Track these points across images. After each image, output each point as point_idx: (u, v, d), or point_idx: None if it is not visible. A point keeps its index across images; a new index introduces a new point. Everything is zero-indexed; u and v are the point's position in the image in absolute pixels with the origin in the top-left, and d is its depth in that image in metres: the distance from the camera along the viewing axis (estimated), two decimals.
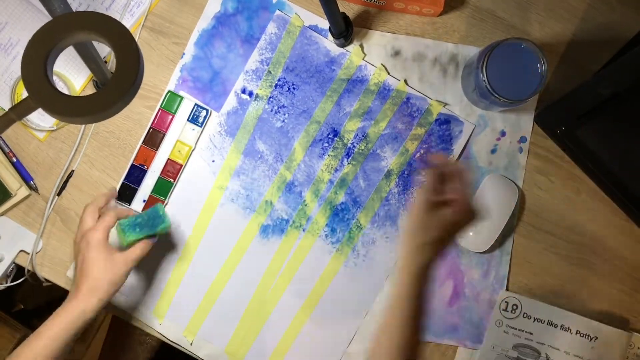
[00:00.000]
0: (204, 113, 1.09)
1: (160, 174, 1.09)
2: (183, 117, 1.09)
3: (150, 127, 1.09)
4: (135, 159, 1.09)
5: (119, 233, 0.97)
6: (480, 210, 0.83)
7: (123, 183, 1.09)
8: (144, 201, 1.09)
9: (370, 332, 1.10)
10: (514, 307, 1.10)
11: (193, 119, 1.09)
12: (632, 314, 1.13)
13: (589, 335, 1.10)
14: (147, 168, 1.09)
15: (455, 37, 1.13)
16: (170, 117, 1.09)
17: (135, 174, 1.09)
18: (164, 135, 1.09)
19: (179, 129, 1.09)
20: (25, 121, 1.08)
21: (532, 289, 1.12)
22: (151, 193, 1.09)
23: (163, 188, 1.09)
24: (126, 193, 1.09)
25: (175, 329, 1.10)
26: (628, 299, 1.13)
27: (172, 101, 1.09)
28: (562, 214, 1.13)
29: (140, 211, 1.08)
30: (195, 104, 1.09)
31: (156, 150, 1.09)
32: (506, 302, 1.11)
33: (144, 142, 1.09)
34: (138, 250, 0.96)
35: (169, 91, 1.09)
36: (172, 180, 1.09)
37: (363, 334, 1.10)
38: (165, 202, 1.09)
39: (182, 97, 1.09)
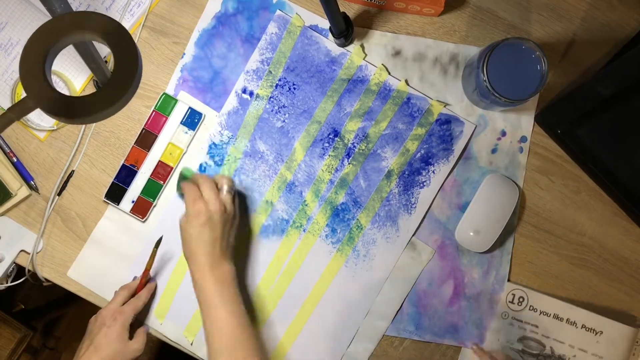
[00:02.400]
0: (197, 117, 1.09)
1: (151, 176, 1.09)
2: (176, 119, 1.09)
3: (143, 128, 1.09)
4: (126, 159, 1.09)
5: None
6: None
7: (113, 182, 1.09)
8: (133, 202, 1.09)
9: (370, 332, 1.10)
10: (521, 299, 1.10)
11: (186, 122, 1.09)
12: (632, 314, 1.13)
13: (594, 330, 1.10)
14: (138, 169, 1.09)
15: (456, 37, 1.13)
16: (164, 119, 1.09)
17: (126, 174, 1.09)
18: (157, 137, 1.09)
19: (171, 132, 1.09)
20: (25, 121, 1.08)
21: (532, 288, 1.12)
22: (140, 194, 1.09)
23: (153, 190, 1.09)
24: (115, 192, 1.09)
25: (176, 329, 1.10)
26: (628, 299, 1.13)
27: (166, 103, 1.09)
28: (563, 214, 1.13)
29: (127, 215, 1.09)
30: (190, 108, 1.09)
31: (148, 151, 1.09)
32: (513, 294, 1.11)
33: (136, 142, 1.09)
34: (141, 343, 1.02)
35: (164, 93, 1.09)
36: (162, 182, 1.09)
37: (363, 334, 1.10)
38: (154, 203, 1.09)
39: (176, 100, 1.09)
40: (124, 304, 1.03)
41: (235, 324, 0.92)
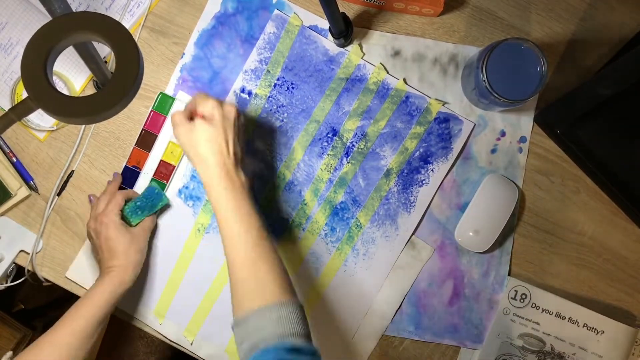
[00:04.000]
0: None
1: (154, 176, 1.09)
2: None
3: (142, 129, 1.09)
4: (128, 161, 1.09)
5: (125, 219, 1.04)
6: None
7: None
8: None
9: (370, 331, 1.10)
10: (523, 296, 1.10)
11: None
12: (633, 314, 1.13)
13: (595, 329, 1.10)
14: (141, 170, 1.09)
15: (455, 37, 1.13)
16: (163, 118, 1.09)
17: (129, 176, 1.09)
18: (156, 136, 1.09)
19: (171, 130, 1.09)
20: (25, 121, 1.08)
21: (535, 285, 1.12)
22: None
23: None
24: None
25: (176, 329, 1.10)
26: (628, 299, 1.14)
27: (164, 102, 1.09)
28: (562, 214, 1.13)
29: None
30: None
31: (149, 152, 1.09)
32: (515, 290, 1.11)
33: (136, 144, 1.09)
34: (148, 222, 1.06)
35: (161, 93, 1.09)
36: (165, 181, 1.09)
37: (363, 332, 1.10)
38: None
39: (173, 99, 1.09)
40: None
41: (252, 241, 0.89)
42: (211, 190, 0.91)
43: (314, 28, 1.11)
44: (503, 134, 1.12)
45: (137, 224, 1.04)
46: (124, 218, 1.03)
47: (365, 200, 1.10)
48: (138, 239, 1.02)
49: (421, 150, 1.11)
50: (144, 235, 1.04)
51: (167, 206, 1.09)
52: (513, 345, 1.10)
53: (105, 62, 1.08)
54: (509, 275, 1.12)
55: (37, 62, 0.60)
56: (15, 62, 1.08)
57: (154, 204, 1.05)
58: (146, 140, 1.09)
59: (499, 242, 1.11)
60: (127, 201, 1.04)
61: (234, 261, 0.89)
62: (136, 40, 1.08)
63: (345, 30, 1.06)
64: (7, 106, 1.08)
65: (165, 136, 1.09)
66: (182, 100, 1.09)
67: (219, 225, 0.91)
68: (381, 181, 1.10)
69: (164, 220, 1.09)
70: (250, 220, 0.90)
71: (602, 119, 1.08)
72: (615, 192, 1.10)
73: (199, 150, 0.92)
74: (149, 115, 1.09)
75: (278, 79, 1.10)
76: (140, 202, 1.04)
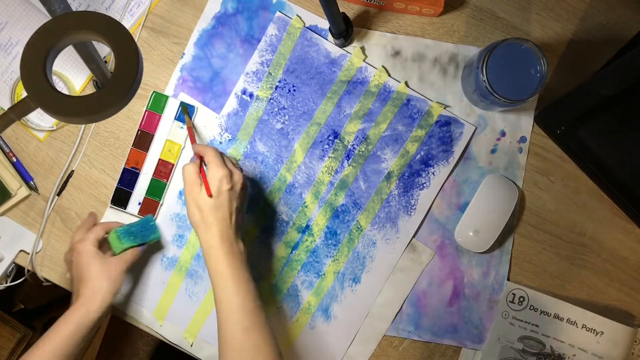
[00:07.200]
0: (190, 110, 1.09)
1: (153, 175, 1.09)
2: (170, 116, 1.09)
3: (138, 129, 1.09)
4: (126, 163, 1.09)
5: (113, 240, 1.01)
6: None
7: (117, 187, 1.09)
8: (139, 204, 1.09)
9: (370, 333, 1.10)
10: (521, 299, 1.10)
11: (180, 118, 1.09)
12: (632, 314, 1.13)
13: (594, 330, 1.10)
14: (140, 170, 1.09)
15: (455, 37, 1.13)
16: (158, 117, 1.09)
17: (129, 178, 1.09)
18: (153, 136, 1.09)
19: (167, 129, 1.09)
20: (25, 121, 1.08)
21: (532, 288, 1.12)
22: (146, 195, 1.09)
23: (157, 189, 1.09)
24: (121, 197, 1.09)
25: (176, 331, 1.10)
26: (628, 299, 1.14)
27: (158, 101, 1.09)
28: (562, 214, 1.13)
29: (135, 217, 1.09)
30: (181, 102, 1.09)
31: (146, 151, 1.09)
32: (513, 293, 1.11)
33: (133, 144, 1.09)
34: (129, 254, 1.01)
35: (154, 92, 1.09)
36: (165, 180, 1.09)
37: (363, 335, 1.10)
38: (161, 202, 1.09)
39: (167, 97, 1.09)
40: None
41: (247, 309, 0.89)
42: (210, 256, 0.91)
43: (314, 28, 1.11)
44: (503, 134, 1.12)
45: (119, 252, 1.01)
46: (108, 244, 1.01)
47: (366, 203, 1.10)
48: (110, 267, 0.97)
49: (422, 153, 1.10)
50: (120, 266, 0.99)
51: (157, 242, 1.08)
52: (513, 349, 1.10)
53: (105, 61, 1.08)
54: (508, 275, 1.12)
55: (36, 61, 0.60)
56: (15, 62, 1.08)
57: (146, 235, 1.04)
58: (143, 140, 1.09)
59: (499, 242, 1.11)
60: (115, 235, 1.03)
61: (225, 327, 0.89)
62: (136, 40, 1.08)
63: (346, 30, 1.06)
64: (7, 106, 1.08)
65: (161, 135, 1.09)
66: (175, 98, 1.09)
67: (214, 290, 0.91)
68: (382, 184, 1.10)
69: (164, 221, 1.09)
70: (247, 288, 0.91)
71: (602, 119, 1.08)
72: (615, 192, 1.10)
73: (204, 215, 0.91)
74: (144, 115, 1.09)
75: (279, 81, 1.10)
76: (135, 228, 1.02)
